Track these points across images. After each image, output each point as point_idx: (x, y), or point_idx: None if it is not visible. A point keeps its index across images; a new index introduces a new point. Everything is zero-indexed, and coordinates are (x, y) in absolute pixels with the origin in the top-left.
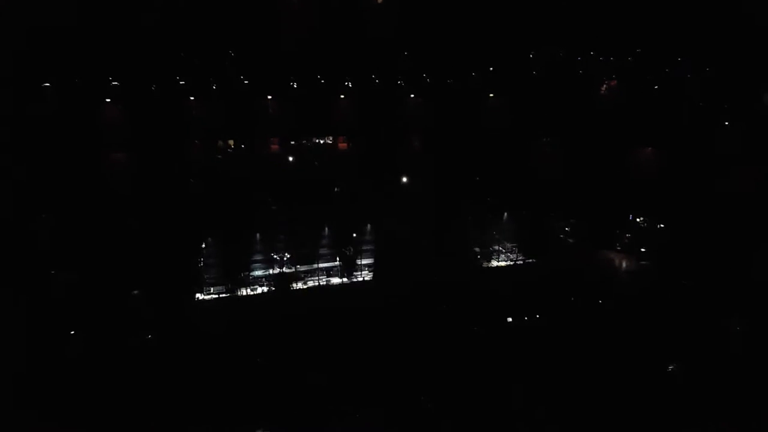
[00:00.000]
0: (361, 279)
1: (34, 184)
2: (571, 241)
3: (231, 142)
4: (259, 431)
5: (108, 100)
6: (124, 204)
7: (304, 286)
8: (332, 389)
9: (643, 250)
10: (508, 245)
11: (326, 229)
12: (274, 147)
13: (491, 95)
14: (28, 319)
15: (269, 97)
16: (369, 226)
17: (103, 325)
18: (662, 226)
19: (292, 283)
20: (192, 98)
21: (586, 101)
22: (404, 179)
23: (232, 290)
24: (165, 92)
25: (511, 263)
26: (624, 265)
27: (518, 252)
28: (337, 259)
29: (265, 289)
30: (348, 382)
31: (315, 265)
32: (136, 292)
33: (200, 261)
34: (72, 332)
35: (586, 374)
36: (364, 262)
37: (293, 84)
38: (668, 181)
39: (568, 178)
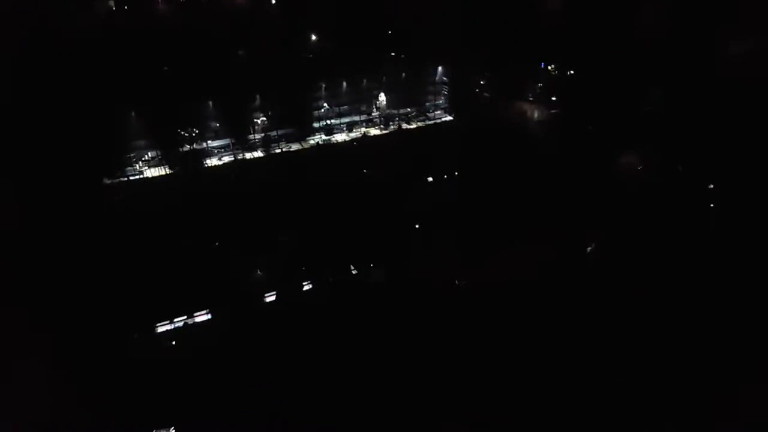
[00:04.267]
0: (280, 150)
1: None
2: (486, 95)
3: (112, 2)
4: None
5: None
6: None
7: (219, 162)
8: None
9: (553, 99)
10: (425, 105)
11: (235, 100)
12: (163, 6)
13: None
14: None
15: None
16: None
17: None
18: (571, 72)
19: (205, 160)
20: None
21: None
22: (313, 36)
23: (140, 172)
24: None
25: (430, 123)
26: (536, 114)
27: (434, 111)
28: (251, 131)
29: (177, 168)
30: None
31: (228, 141)
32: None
33: (104, 144)
34: None
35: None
36: (281, 132)
37: None
38: (578, 26)
39: (479, 31)
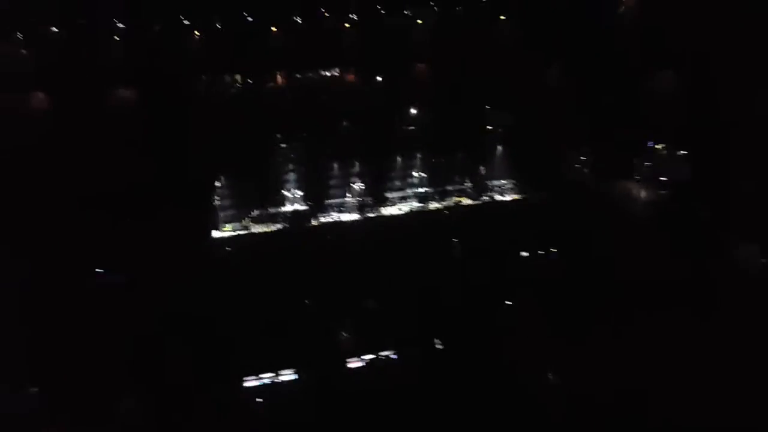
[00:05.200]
0: (373, 215)
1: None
2: (585, 171)
3: (238, 77)
4: None
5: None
6: (132, 143)
7: (317, 223)
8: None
9: (662, 179)
10: (521, 179)
11: (335, 165)
12: (281, 81)
13: (502, 17)
14: None
15: (273, 29)
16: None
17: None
18: (683, 153)
19: (306, 221)
20: (197, 34)
21: (597, 23)
22: (412, 111)
23: (246, 227)
24: (169, 30)
25: (521, 197)
26: (642, 195)
27: (530, 184)
28: (347, 194)
29: (280, 226)
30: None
31: (327, 201)
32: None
33: (215, 199)
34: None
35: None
36: (375, 197)
37: (297, 18)
38: (690, 105)
39: (582, 103)
